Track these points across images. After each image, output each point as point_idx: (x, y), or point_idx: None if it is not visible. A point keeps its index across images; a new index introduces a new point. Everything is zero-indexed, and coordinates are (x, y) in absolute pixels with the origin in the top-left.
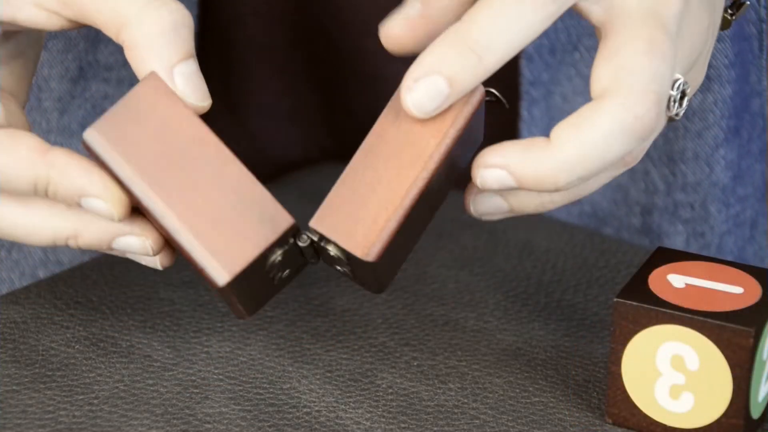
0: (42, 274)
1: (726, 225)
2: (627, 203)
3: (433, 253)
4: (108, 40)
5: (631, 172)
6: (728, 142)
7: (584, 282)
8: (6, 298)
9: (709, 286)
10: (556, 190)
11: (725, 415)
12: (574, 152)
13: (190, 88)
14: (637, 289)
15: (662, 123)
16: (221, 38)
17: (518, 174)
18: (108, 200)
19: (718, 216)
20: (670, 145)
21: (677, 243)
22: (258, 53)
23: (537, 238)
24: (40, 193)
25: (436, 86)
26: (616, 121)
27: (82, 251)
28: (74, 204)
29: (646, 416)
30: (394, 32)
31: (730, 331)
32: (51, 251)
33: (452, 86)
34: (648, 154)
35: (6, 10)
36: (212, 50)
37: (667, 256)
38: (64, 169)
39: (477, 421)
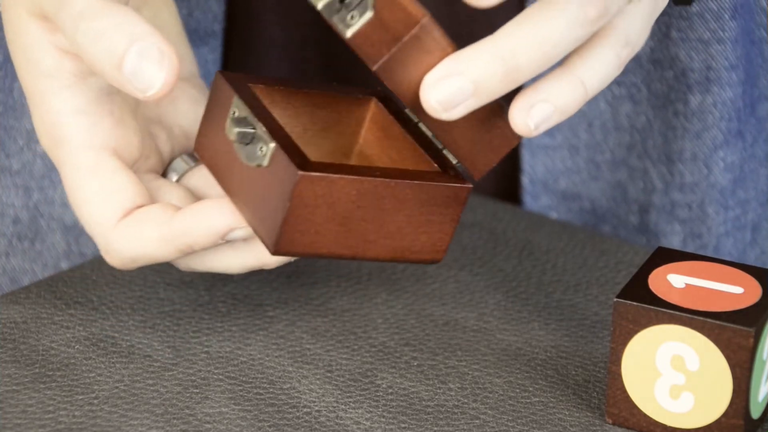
0: (65, 265)
1: (724, 227)
2: (625, 201)
3: None
4: None
5: (630, 170)
6: (728, 145)
7: (584, 282)
8: (6, 298)
9: (709, 286)
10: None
11: (725, 415)
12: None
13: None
14: (637, 289)
15: None
16: (241, 37)
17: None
18: (243, 224)
19: (716, 218)
20: (669, 145)
21: (674, 243)
22: (277, 52)
23: (537, 238)
24: (188, 253)
25: (459, 86)
26: None
27: None
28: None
29: (646, 416)
30: None
31: (730, 331)
32: (74, 243)
33: (477, 90)
34: (647, 153)
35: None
36: (234, 49)
37: (667, 256)
38: (193, 231)
39: (477, 421)
